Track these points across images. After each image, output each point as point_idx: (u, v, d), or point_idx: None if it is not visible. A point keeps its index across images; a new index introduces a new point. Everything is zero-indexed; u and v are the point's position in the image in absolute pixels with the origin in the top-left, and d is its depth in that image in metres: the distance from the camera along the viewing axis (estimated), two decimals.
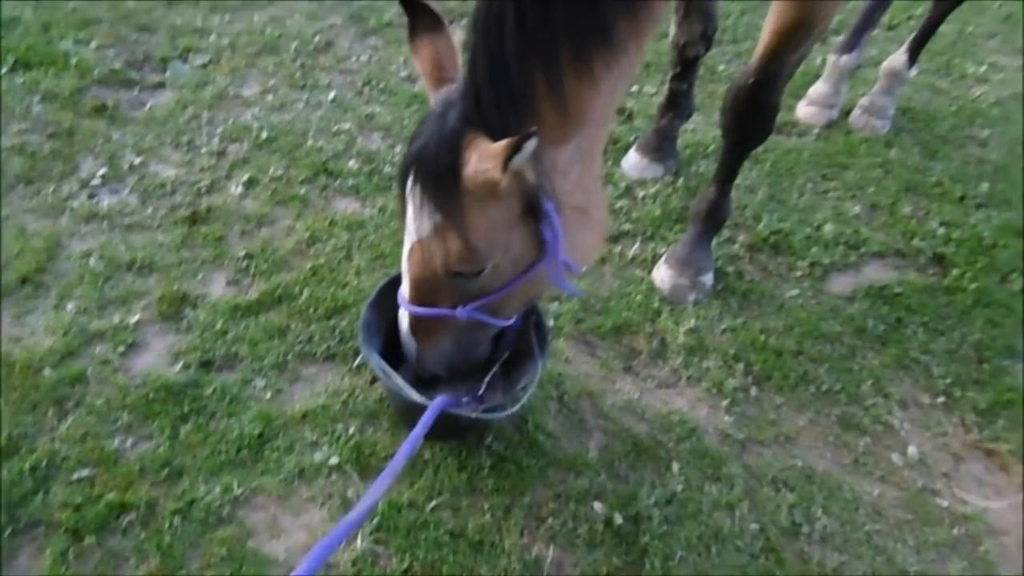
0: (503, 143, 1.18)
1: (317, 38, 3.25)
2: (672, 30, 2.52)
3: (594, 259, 1.68)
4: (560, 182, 1.34)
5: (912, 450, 2.02)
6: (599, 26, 1.22)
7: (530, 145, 1.14)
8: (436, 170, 1.28)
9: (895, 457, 2.00)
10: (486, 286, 1.42)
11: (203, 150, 2.68)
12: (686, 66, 2.55)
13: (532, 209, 1.32)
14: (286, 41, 3.20)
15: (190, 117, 2.81)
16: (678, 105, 2.67)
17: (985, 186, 2.95)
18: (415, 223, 1.36)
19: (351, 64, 3.16)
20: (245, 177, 2.58)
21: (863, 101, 3.16)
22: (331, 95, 2.98)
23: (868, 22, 3.13)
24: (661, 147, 2.74)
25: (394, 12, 3.43)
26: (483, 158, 1.21)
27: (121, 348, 2.00)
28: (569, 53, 1.22)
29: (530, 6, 1.19)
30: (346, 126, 2.85)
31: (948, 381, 2.20)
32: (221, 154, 2.67)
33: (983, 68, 3.65)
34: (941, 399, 2.16)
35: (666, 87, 2.68)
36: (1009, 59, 3.78)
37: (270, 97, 2.93)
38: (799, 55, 1.93)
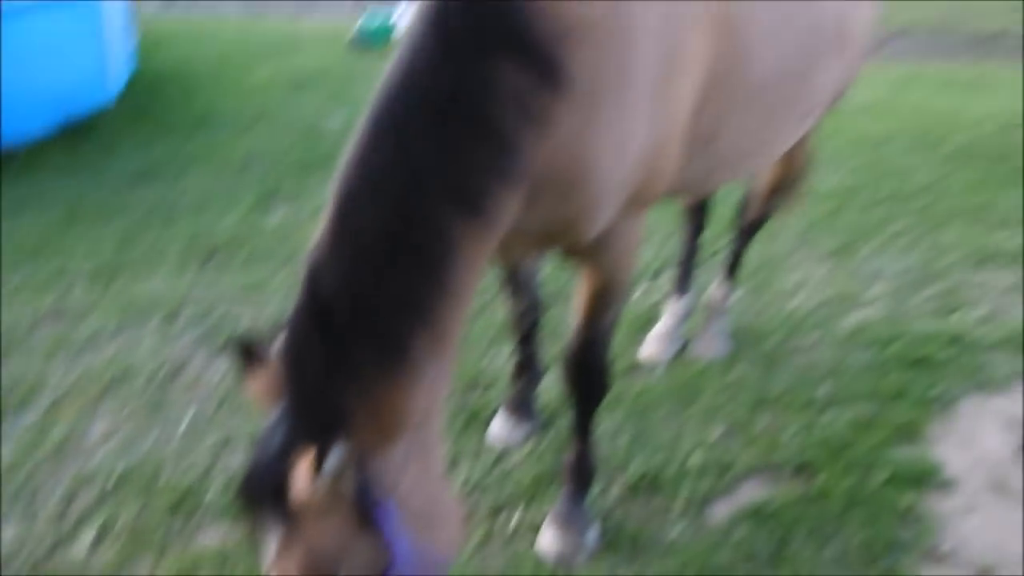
0: (308, 458, 1.31)
1: (168, 364, 3.34)
2: (504, 306, 2.80)
3: (456, 553, 1.75)
4: (395, 484, 1.46)
5: None
6: (396, 348, 1.42)
7: (333, 456, 1.28)
8: (264, 492, 1.40)
9: None
10: None
11: (46, 506, 2.58)
12: (526, 335, 2.81)
13: (367, 516, 1.41)
14: (134, 373, 3.26)
15: (29, 474, 2.73)
16: (529, 369, 2.90)
17: (824, 388, 3.28)
18: (264, 547, 1.45)
19: (205, 384, 3.24)
20: (95, 528, 2.49)
21: (698, 330, 3.53)
22: (186, 421, 3.01)
23: (689, 264, 3.60)
24: (521, 410, 2.92)
25: (246, 324, 3.60)
26: (299, 475, 1.33)
27: None
28: (373, 371, 1.40)
29: (330, 337, 1.38)
30: (204, 450, 2.85)
31: None
32: (66, 508, 2.59)
33: (794, 281, 4.20)
34: None
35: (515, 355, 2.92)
36: (814, 267, 4.38)
37: (119, 435, 2.92)
38: (612, 314, 2.20)
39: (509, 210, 1.56)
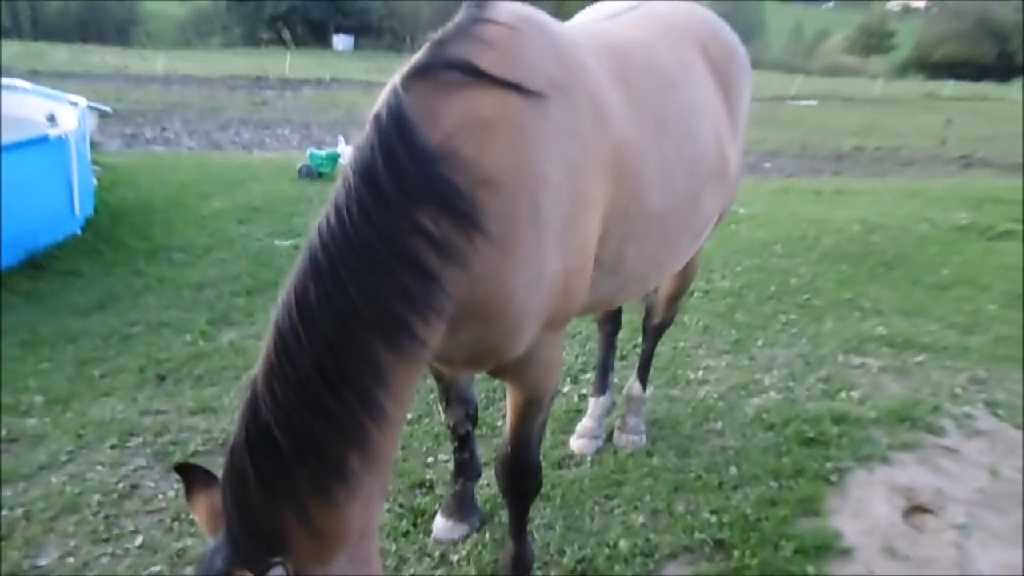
0: None
1: (121, 485, 3.16)
2: (442, 415, 2.79)
3: None
4: None
5: None
6: (333, 470, 1.42)
7: (274, 573, 1.26)
8: None
9: None
10: None
11: None
12: (462, 440, 2.79)
13: None
14: (87, 496, 3.07)
15: None
16: (467, 470, 2.86)
17: (734, 469, 3.34)
18: None
19: (158, 503, 3.07)
20: None
21: (619, 424, 3.58)
22: (138, 540, 2.83)
23: (606, 365, 3.66)
24: (462, 508, 2.86)
25: (199, 442, 3.47)
26: None
27: None
28: (310, 493, 1.39)
29: (269, 461, 1.37)
30: (156, 569, 2.69)
31: None
32: None
33: (700, 372, 4.32)
34: None
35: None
36: (717, 359, 4.52)
37: (71, 560, 2.72)
38: (539, 421, 2.22)
39: (434, 339, 1.60)
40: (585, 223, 1.89)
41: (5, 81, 8.67)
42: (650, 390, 3.77)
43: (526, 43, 1.81)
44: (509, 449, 2.23)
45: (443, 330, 1.62)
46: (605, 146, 1.95)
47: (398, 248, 1.48)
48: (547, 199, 1.74)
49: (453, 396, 2.65)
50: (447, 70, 1.64)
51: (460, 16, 1.78)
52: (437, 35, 1.74)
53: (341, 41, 55.87)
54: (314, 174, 9.23)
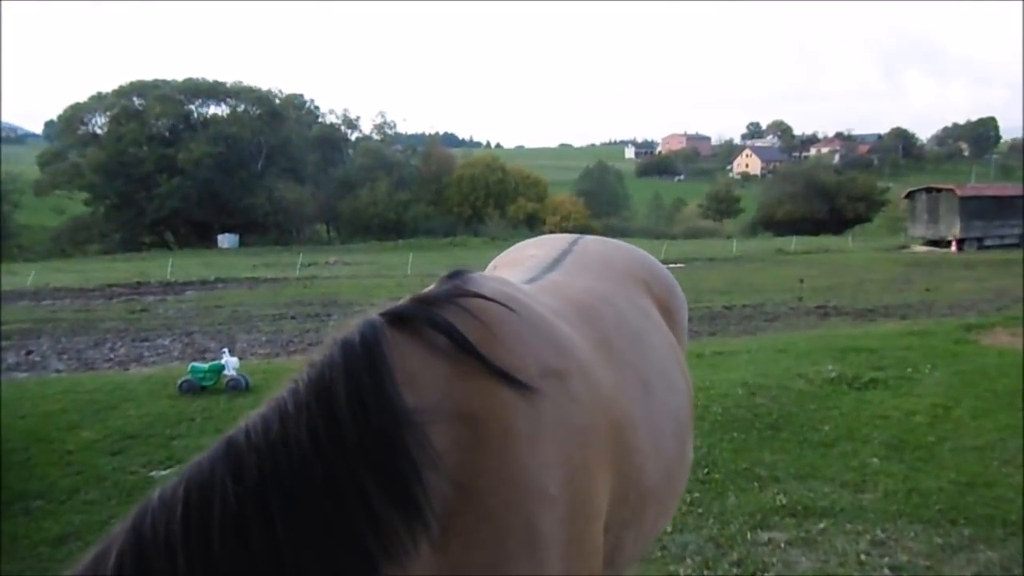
0: None
1: None
2: None
3: None
4: None
5: None
6: None
7: None
8: None
9: None
10: None
11: None
12: None
13: None
14: None
15: None
16: None
17: None
18: None
19: None
20: None
21: None
22: None
23: None
24: None
25: None
26: None
27: None
28: None
29: None
30: None
31: None
32: None
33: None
34: None
35: None
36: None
37: None
38: None
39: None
40: (591, 530, 1.60)
41: None
42: None
43: (518, 324, 1.57)
44: None
45: None
46: (603, 433, 1.69)
47: (343, 501, 1.19)
48: (546, 517, 1.42)
49: None
50: (432, 330, 1.42)
51: (439, 286, 1.59)
52: (417, 294, 1.54)
53: (226, 239, 56.21)
54: (196, 388, 8.77)
